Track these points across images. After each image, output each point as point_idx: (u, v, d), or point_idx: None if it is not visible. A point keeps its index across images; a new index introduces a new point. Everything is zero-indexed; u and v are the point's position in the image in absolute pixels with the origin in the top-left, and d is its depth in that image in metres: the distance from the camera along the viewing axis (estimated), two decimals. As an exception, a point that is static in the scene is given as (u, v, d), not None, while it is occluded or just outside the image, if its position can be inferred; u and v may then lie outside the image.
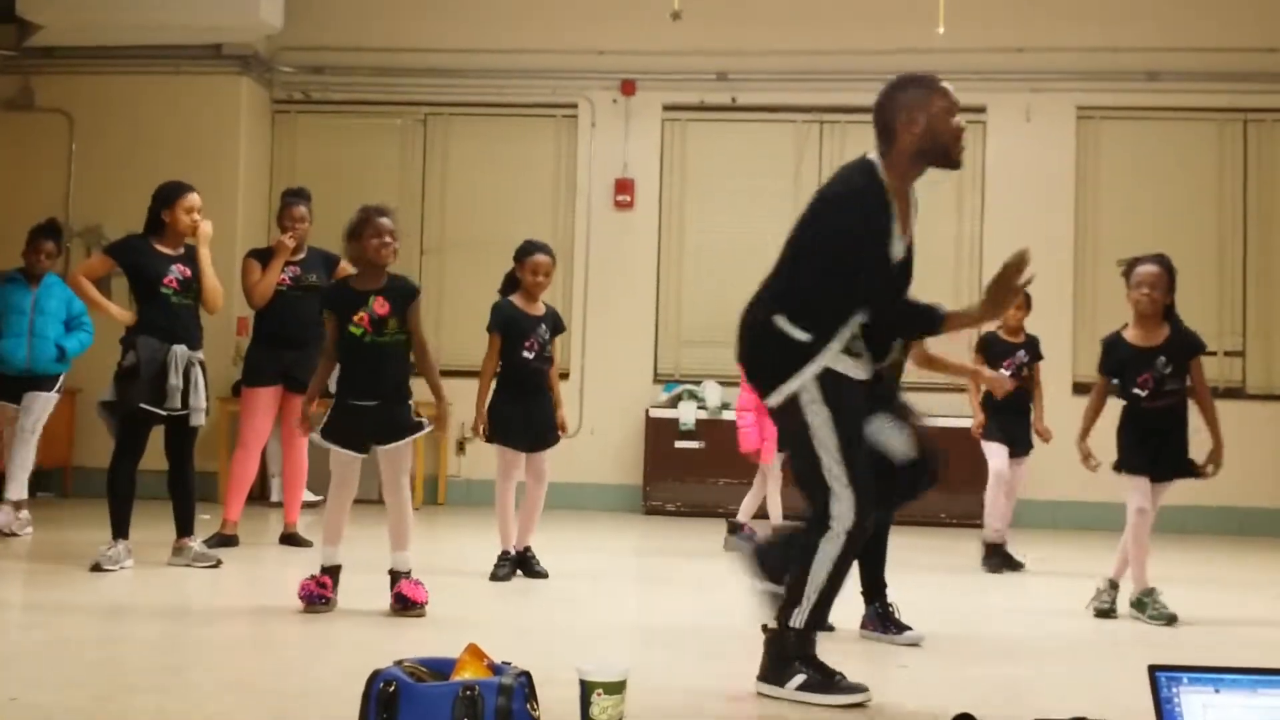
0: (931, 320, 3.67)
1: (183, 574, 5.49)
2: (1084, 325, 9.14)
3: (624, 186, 9.41)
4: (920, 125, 3.64)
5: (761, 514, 6.81)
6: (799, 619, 3.53)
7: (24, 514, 6.70)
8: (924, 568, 6.32)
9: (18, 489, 6.72)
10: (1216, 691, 2.46)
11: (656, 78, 9.45)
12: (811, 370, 3.54)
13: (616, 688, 2.88)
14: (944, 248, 9.23)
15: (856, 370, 3.60)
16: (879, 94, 3.80)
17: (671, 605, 5.34)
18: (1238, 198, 9.16)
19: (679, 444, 8.70)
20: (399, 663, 2.85)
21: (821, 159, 9.41)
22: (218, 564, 5.65)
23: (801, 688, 3.48)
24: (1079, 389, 9.07)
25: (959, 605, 5.43)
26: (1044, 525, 8.51)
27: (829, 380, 3.54)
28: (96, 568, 5.41)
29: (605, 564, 6.66)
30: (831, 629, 3.98)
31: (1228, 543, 8.23)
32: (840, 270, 3.55)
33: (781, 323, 3.58)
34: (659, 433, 8.77)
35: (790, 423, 3.60)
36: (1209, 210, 9.18)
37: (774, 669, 3.55)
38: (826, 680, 3.50)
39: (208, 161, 8.74)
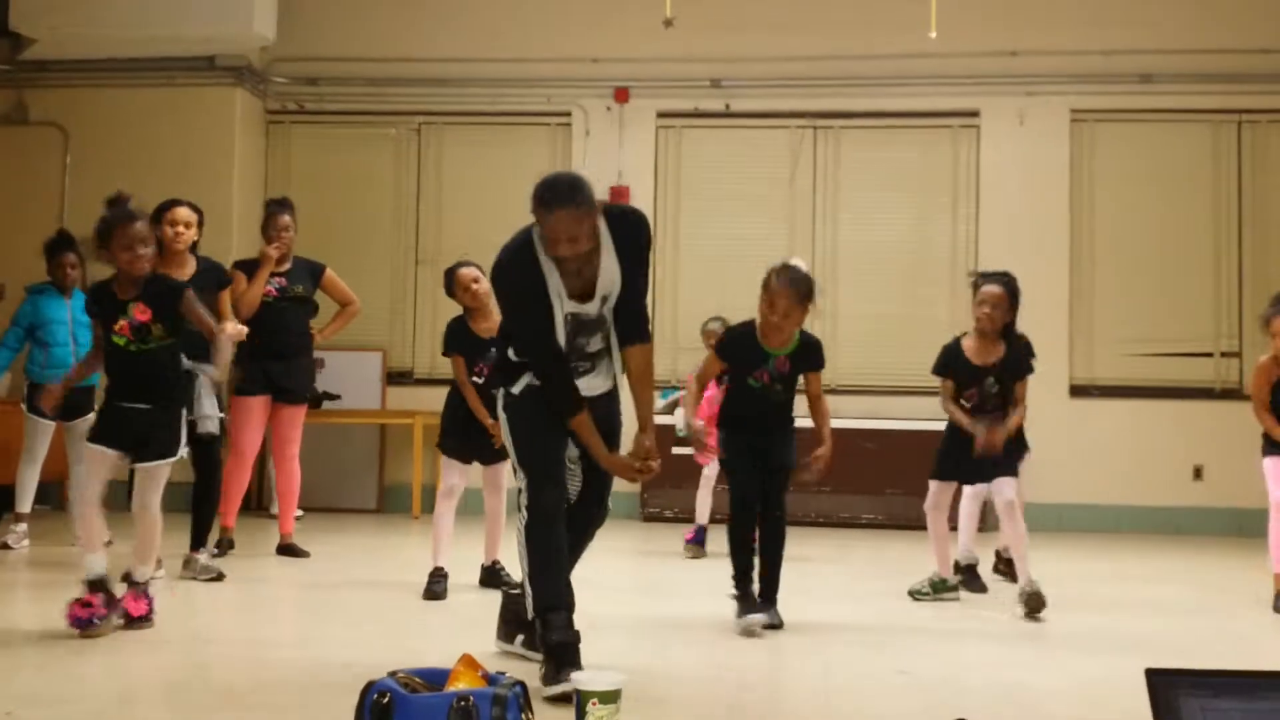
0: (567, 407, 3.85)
1: (188, 586, 5.45)
2: (1080, 328, 9.14)
3: (619, 194, 9.40)
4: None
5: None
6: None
7: (23, 527, 6.71)
8: (923, 572, 6.31)
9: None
10: (1215, 696, 2.45)
11: (650, 85, 9.45)
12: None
13: (611, 697, 2.87)
14: (939, 252, 9.24)
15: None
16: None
17: (672, 613, 5.32)
18: (1233, 199, 9.16)
19: (676, 450, 8.68)
20: (393, 674, 2.84)
21: (816, 164, 9.43)
22: (220, 577, 5.62)
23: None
24: (1075, 392, 9.08)
25: (953, 611, 5.42)
26: (1049, 528, 8.50)
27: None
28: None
29: (604, 572, 6.63)
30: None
31: (1228, 544, 8.22)
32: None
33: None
34: (655, 439, 8.73)
35: None
36: (1204, 212, 9.18)
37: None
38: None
39: (202, 173, 8.74)
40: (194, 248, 5.80)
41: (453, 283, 5.57)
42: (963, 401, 5.38)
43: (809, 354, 4.90)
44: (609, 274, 3.83)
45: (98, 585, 4.36)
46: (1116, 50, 9.08)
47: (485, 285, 5.42)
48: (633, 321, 3.93)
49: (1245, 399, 8.93)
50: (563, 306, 3.80)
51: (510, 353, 3.94)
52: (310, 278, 6.58)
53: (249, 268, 6.44)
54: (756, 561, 4.83)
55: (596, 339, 3.90)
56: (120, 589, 4.46)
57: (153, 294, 4.49)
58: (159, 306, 4.48)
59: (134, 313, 4.45)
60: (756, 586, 4.80)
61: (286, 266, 6.49)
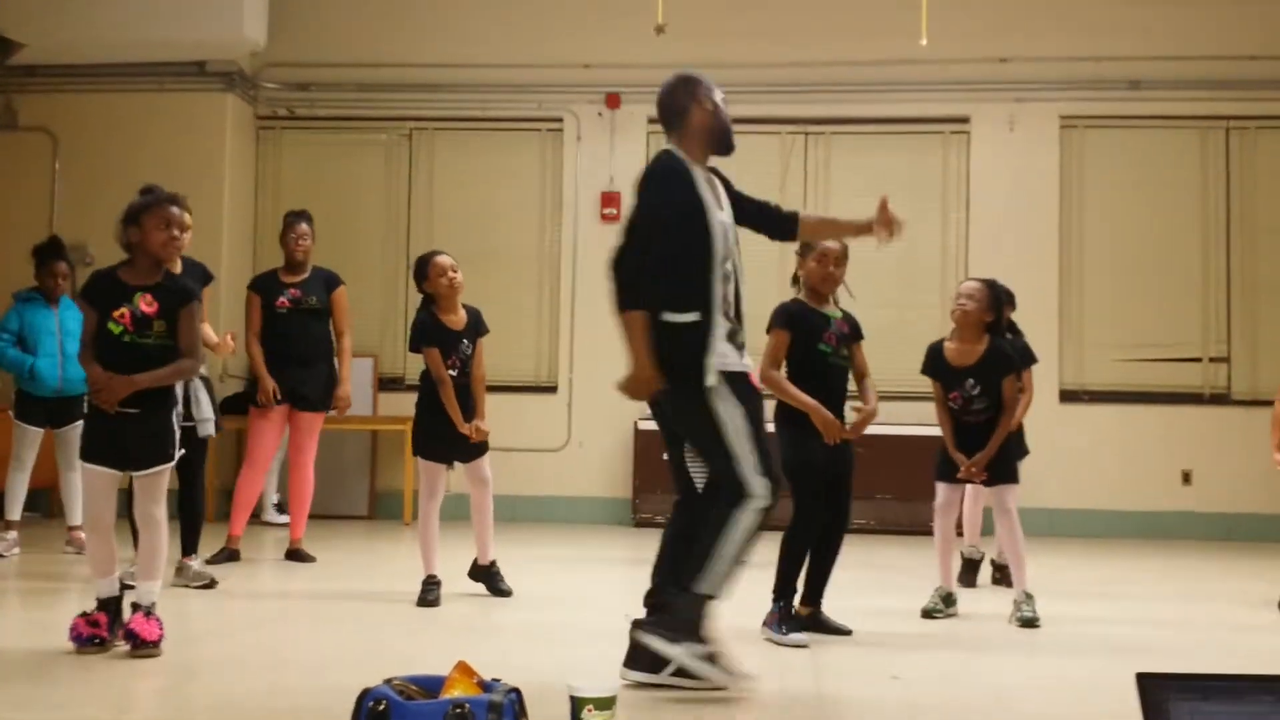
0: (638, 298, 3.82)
1: (181, 594, 5.45)
2: (1069, 333, 9.18)
3: (610, 199, 9.43)
4: (709, 108, 4.16)
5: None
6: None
7: (13, 534, 6.69)
8: (914, 576, 6.33)
9: (77, 516, 6.70)
10: (1204, 699, 2.47)
11: (642, 91, 9.44)
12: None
13: (607, 703, 2.88)
14: (929, 258, 9.26)
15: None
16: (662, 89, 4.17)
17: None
18: (1221, 205, 9.21)
19: (668, 455, 8.68)
20: (389, 681, 2.85)
21: (806, 170, 9.45)
22: (213, 583, 5.60)
23: (677, 673, 3.65)
24: (1065, 397, 9.11)
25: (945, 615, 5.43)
26: (1040, 533, 8.52)
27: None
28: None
29: (596, 577, 6.65)
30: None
31: (1217, 549, 8.26)
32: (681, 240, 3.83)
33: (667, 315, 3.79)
34: (648, 444, 8.75)
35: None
36: (1193, 217, 9.23)
37: (649, 656, 3.67)
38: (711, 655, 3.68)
39: (192, 179, 8.65)
40: None
41: (427, 269, 5.36)
42: (950, 404, 5.25)
43: (852, 319, 4.94)
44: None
45: (108, 605, 4.19)
46: (1106, 57, 9.13)
47: (461, 276, 5.40)
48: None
49: (1234, 404, 9.03)
50: (716, 214, 3.88)
51: (677, 319, 3.79)
52: (325, 288, 6.66)
53: (264, 283, 6.63)
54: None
55: (735, 254, 3.96)
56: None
57: (165, 290, 4.24)
58: (167, 303, 4.22)
59: (139, 302, 4.18)
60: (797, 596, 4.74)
61: (303, 276, 6.62)
